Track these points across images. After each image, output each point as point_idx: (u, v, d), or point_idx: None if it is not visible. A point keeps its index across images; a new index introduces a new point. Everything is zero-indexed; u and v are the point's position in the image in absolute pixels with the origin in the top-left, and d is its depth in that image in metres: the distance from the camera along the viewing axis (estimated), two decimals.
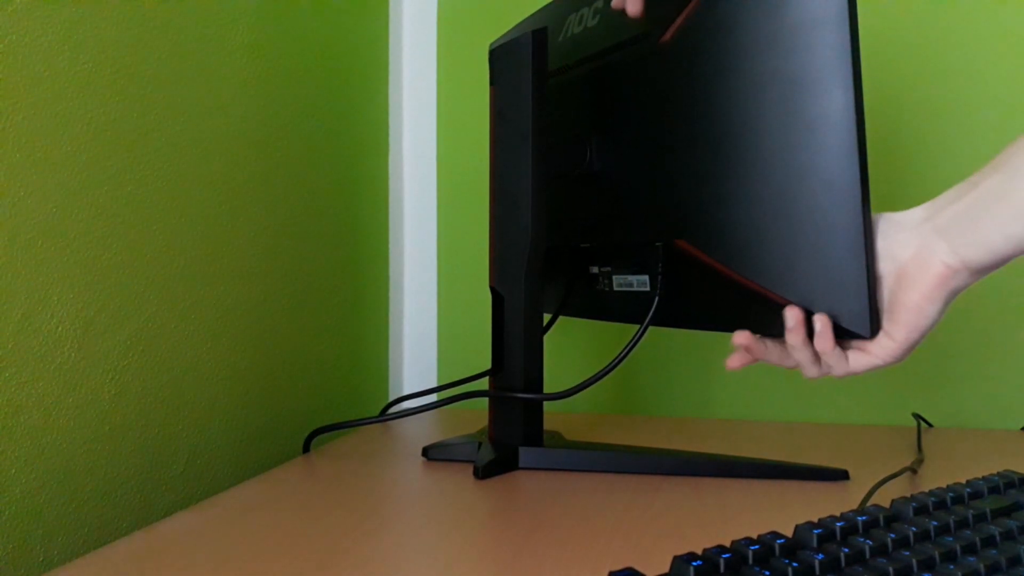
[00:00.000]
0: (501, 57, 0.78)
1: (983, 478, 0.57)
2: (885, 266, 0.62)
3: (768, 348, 0.66)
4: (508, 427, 0.78)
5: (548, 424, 0.99)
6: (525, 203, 0.76)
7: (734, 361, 0.67)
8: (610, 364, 0.75)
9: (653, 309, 0.74)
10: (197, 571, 0.52)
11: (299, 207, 0.95)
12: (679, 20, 0.70)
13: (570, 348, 1.18)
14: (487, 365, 1.21)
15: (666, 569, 0.52)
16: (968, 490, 0.55)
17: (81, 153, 0.64)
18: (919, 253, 0.60)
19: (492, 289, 0.79)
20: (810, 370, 0.65)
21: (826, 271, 0.62)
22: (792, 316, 0.62)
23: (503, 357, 0.78)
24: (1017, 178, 0.57)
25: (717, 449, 0.85)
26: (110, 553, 0.55)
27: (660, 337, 1.15)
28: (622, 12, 0.75)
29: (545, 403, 1.15)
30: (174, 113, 0.74)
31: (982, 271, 0.60)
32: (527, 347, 0.77)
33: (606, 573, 0.51)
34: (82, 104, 0.64)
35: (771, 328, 0.66)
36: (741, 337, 0.66)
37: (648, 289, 0.76)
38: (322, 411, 1.01)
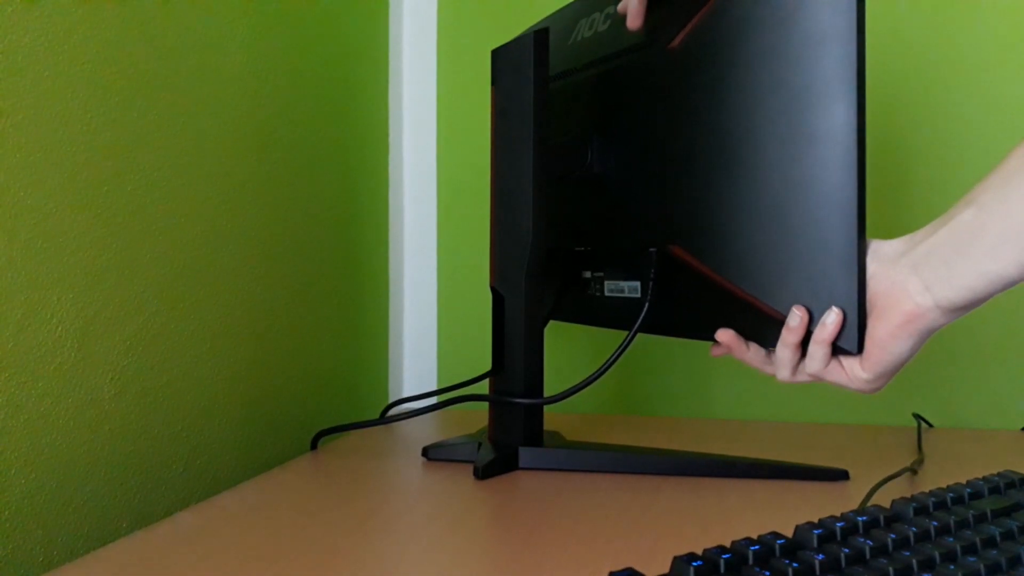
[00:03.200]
0: (503, 57, 0.78)
1: (983, 478, 0.57)
2: None
3: (750, 350, 0.68)
4: (508, 427, 0.79)
5: (548, 424, 0.99)
6: (526, 203, 0.76)
7: (716, 351, 0.70)
8: (598, 370, 0.76)
9: (642, 316, 0.74)
10: (197, 571, 0.52)
11: (299, 207, 0.95)
12: (688, 27, 0.70)
13: (571, 348, 1.18)
14: (487, 366, 1.21)
15: (666, 569, 0.52)
16: (968, 490, 0.55)
17: (81, 153, 0.64)
18: (892, 288, 0.59)
19: (493, 289, 0.80)
20: (784, 372, 0.65)
21: (818, 284, 0.62)
22: (796, 316, 0.62)
23: (503, 358, 0.78)
24: (989, 213, 0.54)
25: (717, 449, 0.85)
26: (110, 553, 0.55)
27: (660, 338, 1.15)
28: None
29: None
30: (174, 113, 0.74)
31: (958, 310, 0.57)
32: (528, 347, 0.77)
33: (606, 573, 0.51)
34: (82, 104, 0.64)
35: (757, 337, 0.67)
36: (724, 335, 0.68)
37: (639, 295, 0.76)
38: (321, 411, 1.01)
